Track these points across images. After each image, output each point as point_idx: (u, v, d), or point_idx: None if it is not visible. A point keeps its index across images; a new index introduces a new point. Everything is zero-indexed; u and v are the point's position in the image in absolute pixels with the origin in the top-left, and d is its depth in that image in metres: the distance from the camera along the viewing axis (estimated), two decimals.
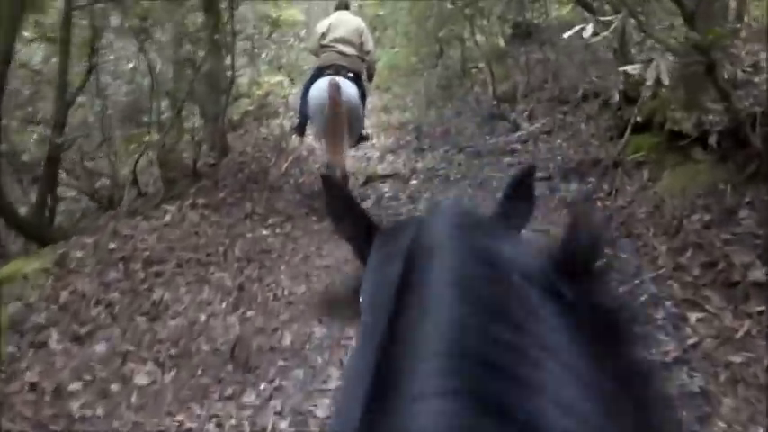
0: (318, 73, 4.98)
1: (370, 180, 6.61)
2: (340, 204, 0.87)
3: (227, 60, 6.67)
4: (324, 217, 4.50)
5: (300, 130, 5.55)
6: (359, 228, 0.84)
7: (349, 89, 4.79)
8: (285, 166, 6.48)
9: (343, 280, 0.95)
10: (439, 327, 0.46)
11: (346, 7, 5.67)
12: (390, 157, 7.66)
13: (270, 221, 5.17)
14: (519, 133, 7.22)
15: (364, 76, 5.42)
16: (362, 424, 0.43)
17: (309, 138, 6.80)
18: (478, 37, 8.81)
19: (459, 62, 8.99)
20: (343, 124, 4.71)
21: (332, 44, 5.09)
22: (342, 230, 0.87)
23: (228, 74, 6.50)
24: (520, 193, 0.85)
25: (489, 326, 0.47)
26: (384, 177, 6.75)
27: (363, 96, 5.21)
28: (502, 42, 9.34)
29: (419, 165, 7.02)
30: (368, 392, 0.44)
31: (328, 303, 1.06)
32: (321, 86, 4.74)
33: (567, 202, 4.81)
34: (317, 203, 5.11)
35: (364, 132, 5.65)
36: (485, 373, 0.42)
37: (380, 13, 9.67)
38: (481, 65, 8.72)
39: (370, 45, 5.34)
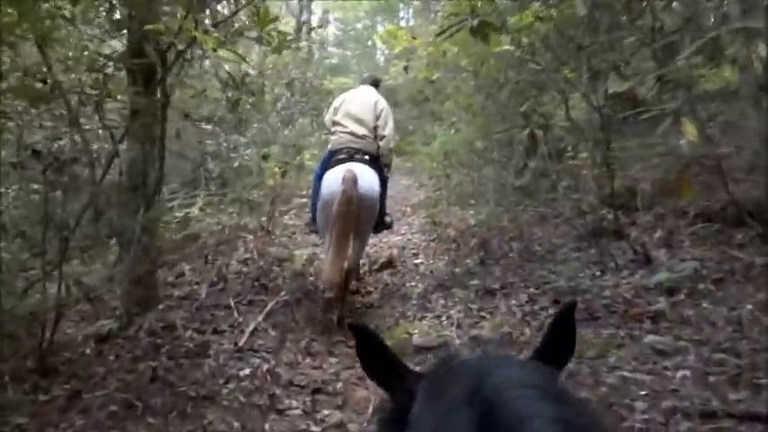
0: (330, 158, 4.44)
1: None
2: (374, 354, 0.84)
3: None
4: None
5: (313, 225, 4.73)
6: (394, 374, 0.82)
7: (368, 179, 4.18)
8: (243, 341, 3.64)
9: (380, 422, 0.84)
10: None
11: (374, 84, 5.06)
12: (435, 301, 4.75)
13: None
14: (656, 277, 4.15)
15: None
16: None
17: None
18: (576, 111, 5.90)
19: (547, 146, 6.04)
20: (351, 225, 4.05)
21: (343, 122, 4.54)
22: (376, 378, 0.85)
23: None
24: (562, 332, 0.84)
25: None
26: (421, 350, 3.85)
27: (383, 182, 4.58)
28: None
29: (483, 329, 4.07)
30: None
31: None
32: (334, 177, 4.12)
33: None
34: None
35: (388, 219, 4.93)
36: None
37: (434, 78, 6.93)
38: (582, 154, 5.75)
39: (388, 129, 4.61)
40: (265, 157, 7.82)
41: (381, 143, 4.57)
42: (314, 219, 4.55)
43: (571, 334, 0.85)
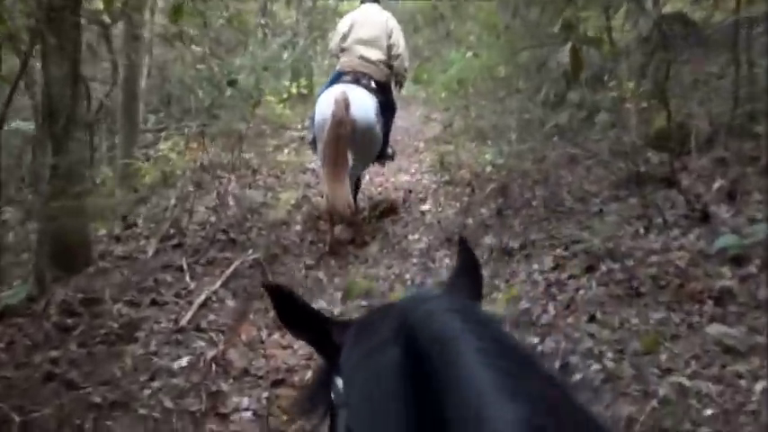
0: (336, 79, 4.28)
1: None
2: (291, 310, 0.81)
3: None
4: None
5: (314, 145, 4.42)
6: (318, 330, 0.80)
7: (364, 104, 3.99)
8: (187, 317, 2.86)
9: (312, 377, 0.86)
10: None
11: (377, 1, 4.74)
12: (440, 261, 3.93)
13: None
14: (720, 242, 3.25)
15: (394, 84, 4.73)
16: None
17: None
18: (617, 34, 4.89)
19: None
20: (345, 149, 3.84)
21: (353, 46, 4.35)
22: (299, 335, 0.85)
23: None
24: (467, 270, 0.84)
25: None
26: None
27: (391, 110, 4.46)
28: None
29: (495, 303, 3.25)
30: None
31: (301, 404, 0.84)
32: (326, 100, 3.98)
33: None
34: None
35: (389, 151, 4.71)
36: None
37: None
38: (626, 84, 4.76)
39: (400, 48, 4.46)
40: (232, 83, 6.90)
41: (396, 63, 4.47)
42: (314, 142, 4.39)
43: (477, 272, 0.85)
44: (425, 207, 5.23)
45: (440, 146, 7.53)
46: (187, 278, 3.17)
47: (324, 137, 3.89)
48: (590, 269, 3.43)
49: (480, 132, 7.14)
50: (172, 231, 3.64)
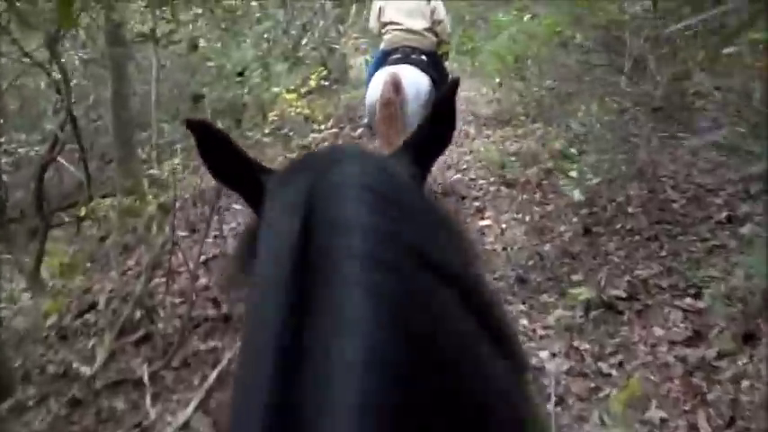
0: (384, 58, 4.12)
1: None
2: (216, 149, 0.71)
3: None
4: None
5: (370, 129, 4.40)
6: (244, 175, 0.71)
7: (415, 81, 3.86)
8: None
9: (240, 237, 0.76)
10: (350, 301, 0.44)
11: None
12: (515, 318, 2.79)
13: None
14: None
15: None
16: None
17: None
18: None
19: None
20: (396, 127, 3.70)
21: (395, 19, 4.17)
22: (224, 180, 0.74)
23: None
24: (441, 114, 0.74)
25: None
26: None
27: (443, 79, 4.05)
28: None
29: (602, 406, 2.10)
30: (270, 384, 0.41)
31: (229, 269, 0.75)
32: (377, 82, 3.88)
33: None
34: None
35: None
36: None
37: None
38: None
39: (441, 12, 4.28)
40: (242, 74, 5.84)
41: (439, 29, 4.29)
42: (370, 125, 4.31)
43: (450, 115, 0.75)
44: (485, 222, 4.06)
45: (495, 130, 6.30)
46: (147, 402, 2.17)
47: (375, 119, 3.87)
48: (749, 339, 2.23)
49: (544, 111, 5.89)
50: (139, 314, 2.65)
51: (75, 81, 6.76)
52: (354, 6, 7.84)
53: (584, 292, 2.72)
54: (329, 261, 0.47)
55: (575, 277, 3.00)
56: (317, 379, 0.40)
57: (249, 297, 0.58)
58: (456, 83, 0.76)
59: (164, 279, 2.97)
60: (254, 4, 7.16)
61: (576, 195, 3.38)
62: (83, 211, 4.96)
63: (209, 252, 3.41)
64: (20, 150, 6.28)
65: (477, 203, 4.46)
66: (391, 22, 4.21)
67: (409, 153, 0.72)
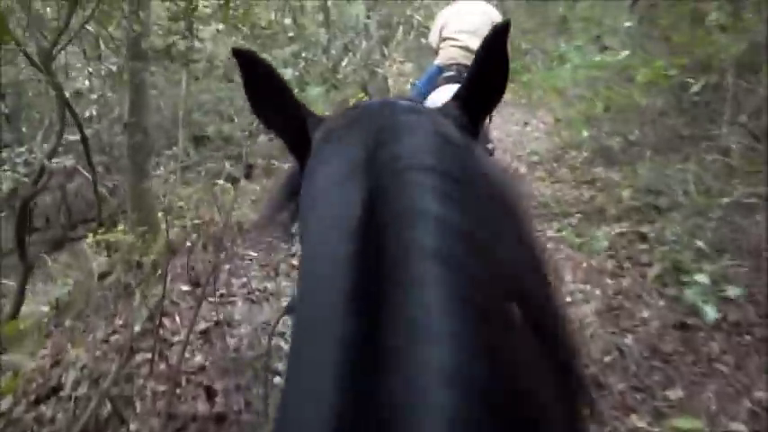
0: (437, 73, 4.05)
1: None
2: (264, 87, 0.67)
3: None
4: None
5: None
6: (288, 116, 0.68)
7: None
8: None
9: (280, 183, 0.73)
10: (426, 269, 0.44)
11: None
12: None
13: None
14: None
15: None
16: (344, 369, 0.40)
17: None
18: None
19: None
20: None
21: (455, 36, 4.11)
22: (268, 121, 0.70)
23: None
24: (492, 60, 0.68)
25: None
26: None
27: None
28: None
29: None
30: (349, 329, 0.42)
31: (268, 215, 0.76)
32: (439, 98, 3.40)
33: None
34: None
35: (490, 146, 4.18)
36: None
37: None
38: None
39: None
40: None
41: None
42: None
43: (502, 62, 0.68)
44: None
45: (549, 174, 5.63)
46: None
47: None
48: None
49: (605, 152, 5.21)
50: (108, 410, 2.06)
51: (98, 92, 6.35)
52: (401, 28, 7.29)
53: (690, 424, 2.04)
54: (397, 254, 0.45)
55: (671, 393, 2.31)
56: (398, 383, 0.40)
57: (301, 268, 0.56)
58: (507, 24, 0.67)
59: (150, 354, 2.38)
60: (287, 22, 6.69)
61: (710, 313, 2.68)
62: (90, 238, 4.48)
63: (210, 316, 2.82)
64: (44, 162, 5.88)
65: None
66: (451, 38, 4.14)
67: (461, 107, 0.68)
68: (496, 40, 0.68)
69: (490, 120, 4.38)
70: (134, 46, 4.45)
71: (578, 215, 4.22)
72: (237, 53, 0.66)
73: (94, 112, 6.22)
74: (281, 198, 0.72)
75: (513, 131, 7.43)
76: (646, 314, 2.88)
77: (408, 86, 7.17)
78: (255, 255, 3.46)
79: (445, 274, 0.44)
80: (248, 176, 5.15)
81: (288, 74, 6.38)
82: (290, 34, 7.06)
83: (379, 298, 0.43)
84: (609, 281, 3.29)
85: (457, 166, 0.56)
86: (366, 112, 0.65)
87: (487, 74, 0.68)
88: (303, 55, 6.86)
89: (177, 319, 2.66)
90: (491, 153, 4.35)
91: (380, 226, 0.47)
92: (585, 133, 5.28)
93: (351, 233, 0.47)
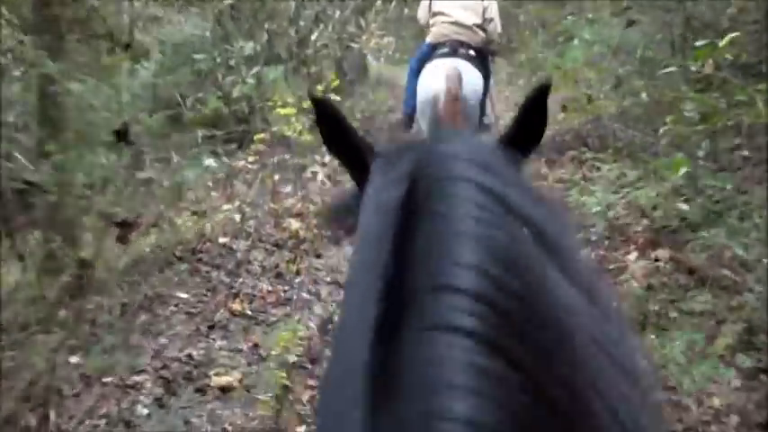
0: (430, 51, 4.05)
1: None
2: (334, 128, 0.80)
3: None
4: None
5: (408, 122, 4.37)
6: (355, 153, 0.78)
7: (472, 78, 3.81)
8: None
9: (343, 197, 0.86)
10: (448, 258, 0.46)
11: None
12: None
13: None
14: None
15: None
16: (372, 353, 0.42)
17: None
18: None
19: None
20: (459, 125, 3.60)
21: (446, 11, 4.08)
22: (338, 156, 0.82)
23: None
24: (534, 113, 0.78)
25: (500, 272, 0.46)
26: None
27: (487, 77, 4.14)
28: None
29: None
30: (375, 324, 0.43)
31: (330, 217, 0.93)
32: (434, 74, 3.77)
33: None
34: None
35: (486, 120, 4.34)
36: (497, 316, 0.42)
37: None
38: None
39: (493, 11, 4.22)
40: (255, 88, 4.46)
41: (489, 27, 4.15)
42: (408, 116, 4.26)
43: (542, 116, 0.79)
44: None
45: (552, 167, 4.82)
46: None
47: (434, 113, 3.62)
48: None
49: (621, 148, 4.40)
50: None
51: None
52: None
53: None
54: (430, 273, 0.46)
55: None
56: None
57: (349, 275, 0.61)
58: (548, 86, 0.78)
59: None
60: None
61: None
62: None
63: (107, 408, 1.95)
64: None
65: None
66: (441, 13, 4.06)
67: (506, 145, 0.75)
68: (538, 99, 0.76)
69: (490, 99, 4.29)
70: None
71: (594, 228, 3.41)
72: (315, 101, 0.79)
73: None
74: (340, 210, 0.84)
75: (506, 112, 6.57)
76: (717, 402, 2.08)
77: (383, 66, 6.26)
78: (185, 296, 2.57)
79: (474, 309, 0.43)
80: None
81: (248, 48, 5.44)
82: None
83: (409, 308, 0.44)
84: (652, 339, 2.47)
85: (499, 165, 0.60)
86: (416, 138, 0.94)
87: (529, 124, 0.76)
88: (266, 26, 5.88)
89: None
90: (489, 126, 4.41)
91: (417, 237, 0.49)
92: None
93: (382, 265, 0.48)
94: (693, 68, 2.02)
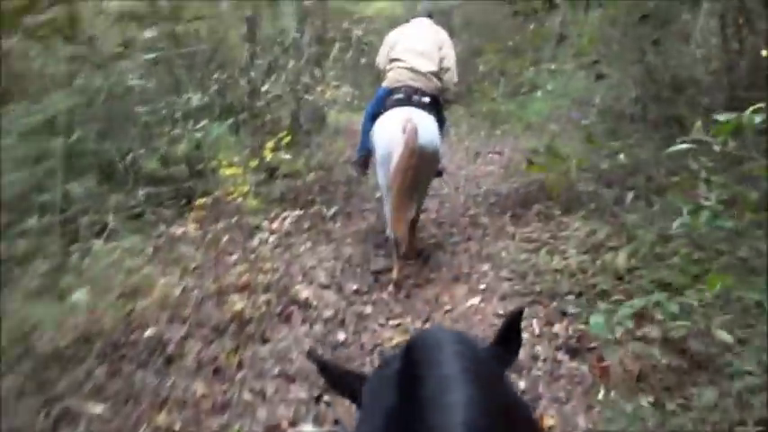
0: (385, 96, 4.03)
1: None
2: (331, 372, 0.95)
3: None
4: None
5: (362, 165, 4.48)
6: (353, 385, 0.90)
7: (428, 127, 3.75)
8: None
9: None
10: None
11: (429, 17, 4.52)
12: None
13: None
14: None
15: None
16: None
17: None
18: None
19: None
20: (415, 180, 3.67)
21: (403, 57, 4.09)
22: (341, 392, 0.94)
23: None
24: (510, 331, 0.90)
25: None
26: None
27: (442, 124, 4.17)
28: None
29: None
30: None
31: None
32: (391, 125, 3.70)
33: None
34: None
35: (440, 167, 4.34)
36: None
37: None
38: None
39: (450, 60, 4.22)
40: (199, 147, 4.11)
41: (445, 77, 4.14)
42: (362, 158, 4.37)
43: (518, 335, 0.90)
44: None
45: (516, 227, 4.58)
46: None
47: (392, 167, 3.59)
48: None
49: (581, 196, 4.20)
50: None
51: None
52: (337, 45, 6.05)
53: None
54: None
55: None
56: None
57: None
58: (521, 312, 0.90)
59: None
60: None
61: None
62: None
63: None
64: None
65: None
66: (398, 59, 4.08)
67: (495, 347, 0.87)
68: (514, 321, 0.89)
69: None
70: None
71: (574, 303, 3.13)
72: (312, 357, 0.97)
73: None
74: None
75: (464, 158, 6.35)
76: None
77: (341, 114, 5.99)
78: (99, 410, 2.15)
79: None
80: None
81: (195, 100, 5.10)
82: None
83: None
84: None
85: (480, 359, 0.71)
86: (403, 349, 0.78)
87: (507, 342, 0.87)
88: (215, 76, 5.57)
89: None
90: (440, 173, 4.46)
91: None
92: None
93: None
94: (715, 146, 1.75)
